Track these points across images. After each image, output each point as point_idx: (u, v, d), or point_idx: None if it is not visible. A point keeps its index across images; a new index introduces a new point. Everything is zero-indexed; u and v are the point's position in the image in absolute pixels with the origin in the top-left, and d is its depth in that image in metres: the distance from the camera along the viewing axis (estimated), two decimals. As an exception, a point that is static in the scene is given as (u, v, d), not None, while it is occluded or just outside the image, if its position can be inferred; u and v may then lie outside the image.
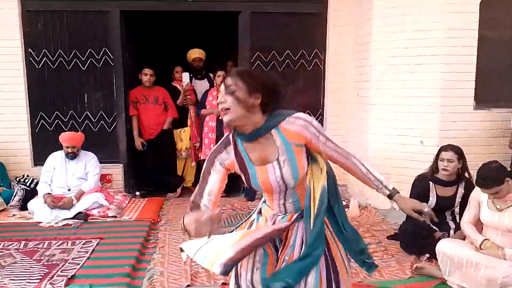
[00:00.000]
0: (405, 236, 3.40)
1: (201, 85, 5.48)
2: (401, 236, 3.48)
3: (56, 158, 4.35)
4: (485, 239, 2.74)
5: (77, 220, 4.02)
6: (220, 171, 1.73)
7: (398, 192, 1.76)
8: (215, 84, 4.98)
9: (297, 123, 1.62)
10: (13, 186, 4.60)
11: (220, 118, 4.89)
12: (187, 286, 2.81)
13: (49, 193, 4.12)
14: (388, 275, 2.98)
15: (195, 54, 5.47)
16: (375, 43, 4.39)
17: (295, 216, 1.74)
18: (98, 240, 3.57)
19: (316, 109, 5.17)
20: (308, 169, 1.69)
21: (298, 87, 5.10)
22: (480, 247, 2.72)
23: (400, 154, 4.36)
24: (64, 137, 4.33)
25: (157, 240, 3.65)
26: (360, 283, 2.82)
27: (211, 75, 5.43)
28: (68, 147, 4.28)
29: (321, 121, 5.18)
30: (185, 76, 5.17)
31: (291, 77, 5.04)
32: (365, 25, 4.57)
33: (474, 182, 2.94)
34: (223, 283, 2.82)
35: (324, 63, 5.09)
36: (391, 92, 4.37)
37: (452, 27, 4.06)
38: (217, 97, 4.86)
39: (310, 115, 5.24)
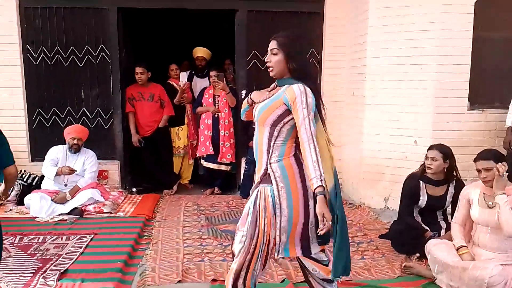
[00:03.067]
0: (395, 235, 3.43)
1: (201, 83, 5.51)
2: (392, 235, 3.51)
3: (58, 152, 4.39)
4: (462, 246, 2.77)
5: (73, 216, 4.06)
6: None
7: (323, 194, 1.91)
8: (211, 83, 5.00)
9: (299, 89, 1.99)
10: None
11: (216, 116, 4.92)
12: (178, 282, 2.84)
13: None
14: (377, 273, 3.01)
15: (199, 52, 5.52)
16: (371, 43, 4.41)
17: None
18: (93, 235, 3.61)
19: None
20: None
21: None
22: (457, 251, 2.76)
23: (395, 154, 4.39)
24: (72, 129, 4.39)
25: (151, 236, 3.68)
26: (349, 281, 2.85)
27: None
28: (74, 139, 4.32)
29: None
30: (183, 76, 5.21)
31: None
32: (361, 25, 4.59)
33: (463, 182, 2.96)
34: (213, 280, 2.85)
35: (320, 62, 5.10)
36: (386, 92, 4.39)
37: (447, 28, 4.07)
38: (213, 95, 4.93)
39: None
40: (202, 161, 5.11)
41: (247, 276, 2.17)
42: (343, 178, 5.14)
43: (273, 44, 2.09)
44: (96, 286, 2.73)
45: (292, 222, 2.07)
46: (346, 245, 2.03)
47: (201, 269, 3.01)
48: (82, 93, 4.97)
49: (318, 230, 1.92)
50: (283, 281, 2.86)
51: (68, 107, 4.96)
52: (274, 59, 2.09)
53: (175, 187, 5.22)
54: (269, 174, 2.08)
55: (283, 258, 2.35)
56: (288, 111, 2.04)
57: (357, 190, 4.72)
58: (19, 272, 2.92)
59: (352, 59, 4.86)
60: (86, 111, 4.99)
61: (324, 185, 1.93)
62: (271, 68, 2.12)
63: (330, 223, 1.89)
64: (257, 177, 2.19)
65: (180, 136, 5.35)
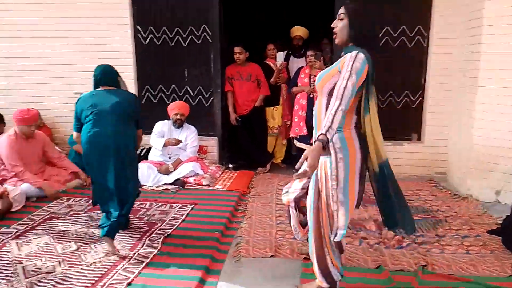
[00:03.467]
0: (509, 232, 3.10)
1: (298, 63, 5.47)
2: (504, 231, 3.17)
3: (163, 125, 4.73)
4: None
5: (176, 186, 4.36)
6: None
7: (324, 142, 1.88)
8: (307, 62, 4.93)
9: (351, 55, 2.01)
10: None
11: (311, 96, 4.86)
12: (271, 256, 2.90)
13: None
14: (484, 270, 2.75)
15: (297, 32, 5.47)
16: (488, 19, 3.95)
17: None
18: (193, 205, 3.84)
19: (416, 89, 4.88)
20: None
21: (396, 65, 4.83)
22: None
23: (511, 143, 3.94)
24: (174, 105, 4.70)
25: (245, 210, 3.80)
26: (451, 275, 2.65)
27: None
28: (177, 114, 4.62)
29: (421, 102, 4.89)
30: (279, 56, 5.21)
31: (390, 55, 4.79)
32: (475, 4, 4.13)
33: None
34: (305, 258, 2.86)
35: (427, 41, 4.74)
36: (504, 73, 3.92)
37: None
38: (309, 75, 4.86)
39: (409, 95, 4.97)
40: (296, 142, 5.10)
41: (330, 254, 2.20)
42: (448, 166, 4.79)
43: (341, 10, 2.12)
44: (195, 251, 2.90)
45: (348, 198, 2.06)
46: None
47: (293, 246, 3.03)
48: (186, 72, 5.24)
49: (294, 171, 1.95)
50: (378, 267, 2.76)
51: (173, 85, 5.27)
52: (339, 24, 2.12)
53: (268, 166, 5.31)
54: (328, 145, 2.02)
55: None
56: None
57: (464, 181, 4.35)
58: (129, 232, 3.22)
59: (466, 36, 4.42)
60: (189, 89, 5.26)
61: (328, 137, 1.91)
62: (335, 35, 2.15)
63: (308, 170, 1.88)
64: None
65: (274, 116, 5.39)
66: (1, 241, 3.03)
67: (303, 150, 4.87)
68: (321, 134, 1.90)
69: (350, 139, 2.08)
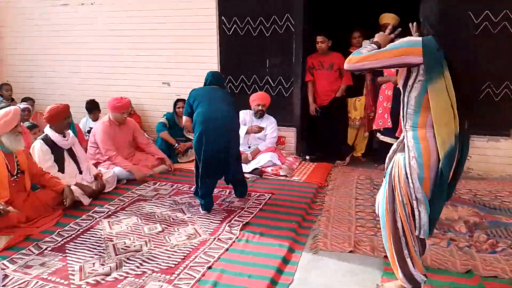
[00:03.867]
0: None
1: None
2: None
3: (245, 114, 4.82)
4: None
5: (254, 175, 4.41)
6: None
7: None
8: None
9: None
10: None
11: (397, 86, 4.60)
12: (350, 251, 2.82)
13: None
14: None
15: (387, 19, 5.18)
16: None
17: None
18: (270, 195, 3.86)
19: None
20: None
21: (495, 52, 4.39)
22: None
23: None
24: (257, 96, 4.76)
25: (323, 203, 3.73)
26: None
27: None
28: (259, 105, 4.68)
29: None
30: (365, 43, 4.99)
31: (488, 42, 4.37)
32: None
33: None
34: (385, 256, 2.73)
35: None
36: None
37: None
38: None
39: (509, 86, 4.51)
40: (378, 135, 4.88)
41: (412, 256, 2.10)
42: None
43: None
44: (272, 241, 2.92)
45: (426, 196, 1.99)
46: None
47: (374, 243, 2.91)
48: (267, 62, 5.26)
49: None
50: (467, 271, 2.55)
51: (254, 75, 5.32)
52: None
53: (347, 159, 5.16)
54: (404, 142, 2.03)
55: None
56: (409, 71, 2.02)
57: None
58: (210, 218, 3.33)
59: None
60: (269, 79, 5.27)
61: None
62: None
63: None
64: (394, 145, 2.20)
65: (357, 107, 5.20)
66: (95, 219, 3.30)
67: (386, 143, 4.71)
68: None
69: (425, 139, 1.99)
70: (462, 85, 1.97)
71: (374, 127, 4.92)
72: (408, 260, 2.09)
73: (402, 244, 2.07)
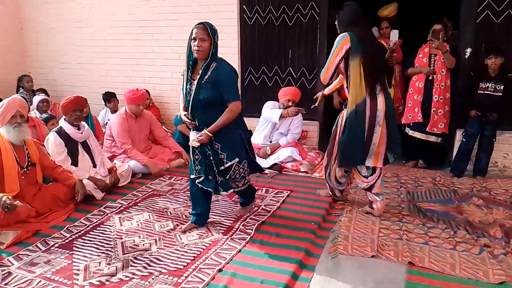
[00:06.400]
0: None
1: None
2: None
3: (275, 104, 4.59)
4: None
5: (273, 171, 4.22)
6: None
7: None
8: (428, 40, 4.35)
9: None
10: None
11: (430, 78, 4.30)
12: (372, 256, 2.60)
13: None
14: None
15: (389, 12, 4.93)
16: None
17: None
18: (289, 192, 3.67)
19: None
20: None
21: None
22: None
23: None
24: (288, 91, 4.54)
25: (345, 202, 3.51)
26: None
27: None
28: (289, 101, 4.46)
29: None
30: (394, 34, 4.69)
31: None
32: None
33: None
34: (410, 263, 2.50)
35: None
36: None
37: None
38: (429, 54, 4.30)
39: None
40: (408, 129, 4.59)
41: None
42: None
43: None
44: (289, 242, 2.73)
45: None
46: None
47: (398, 248, 2.69)
48: (289, 53, 5.04)
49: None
50: (501, 283, 2.31)
51: (276, 67, 5.11)
52: None
53: (374, 155, 4.88)
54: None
55: None
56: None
57: None
58: (224, 216, 3.17)
59: None
60: (292, 71, 5.05)
61: None
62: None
63: None
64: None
65: (384, 100, 4.91)
66: (107, 214, 3.21)
67: (416, 139, 4.42)
68: None
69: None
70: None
71: (402, 121, 4.63)
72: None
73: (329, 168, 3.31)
